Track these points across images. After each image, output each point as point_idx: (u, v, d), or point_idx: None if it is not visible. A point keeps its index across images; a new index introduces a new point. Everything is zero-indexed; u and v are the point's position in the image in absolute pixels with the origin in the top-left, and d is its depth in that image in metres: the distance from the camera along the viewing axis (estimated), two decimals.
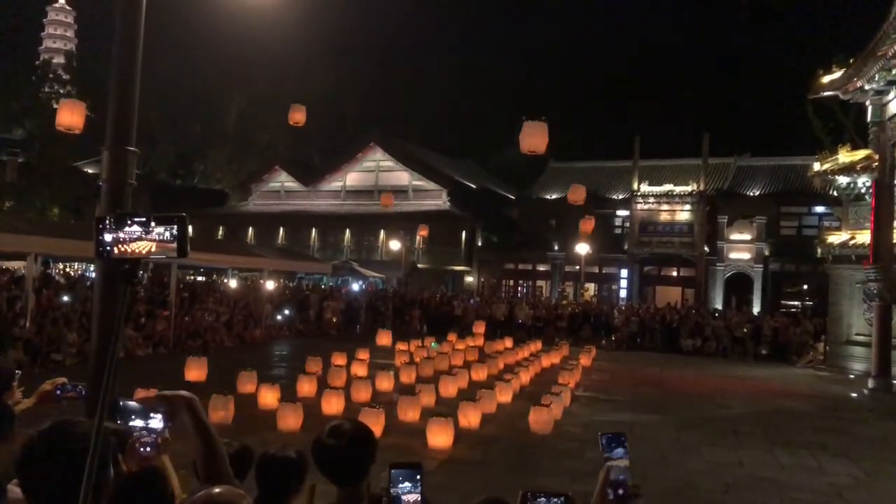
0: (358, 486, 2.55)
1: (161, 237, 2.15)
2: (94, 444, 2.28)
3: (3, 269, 23.45)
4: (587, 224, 19.00)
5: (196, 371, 13.83)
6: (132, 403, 2.42)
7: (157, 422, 2.37)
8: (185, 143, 50.65)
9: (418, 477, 2.09)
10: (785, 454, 10.40)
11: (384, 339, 21.78)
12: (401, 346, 19.55)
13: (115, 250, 2.10)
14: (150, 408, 2.38)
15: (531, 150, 11.70)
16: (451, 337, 22.75)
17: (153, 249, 2.13)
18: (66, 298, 17.86)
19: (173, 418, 2.40)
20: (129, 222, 2.11)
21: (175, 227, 2.11)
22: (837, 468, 9.71)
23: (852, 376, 20.33)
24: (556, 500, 2.26)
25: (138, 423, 2.37)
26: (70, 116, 13.18)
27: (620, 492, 2.41)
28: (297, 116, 18.68)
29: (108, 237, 2.17)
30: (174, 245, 2.16)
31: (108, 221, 2.15)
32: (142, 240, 2.11)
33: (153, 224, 2.11)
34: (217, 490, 1.95)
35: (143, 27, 3.93)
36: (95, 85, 41.77)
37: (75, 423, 1.98)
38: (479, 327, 25.05)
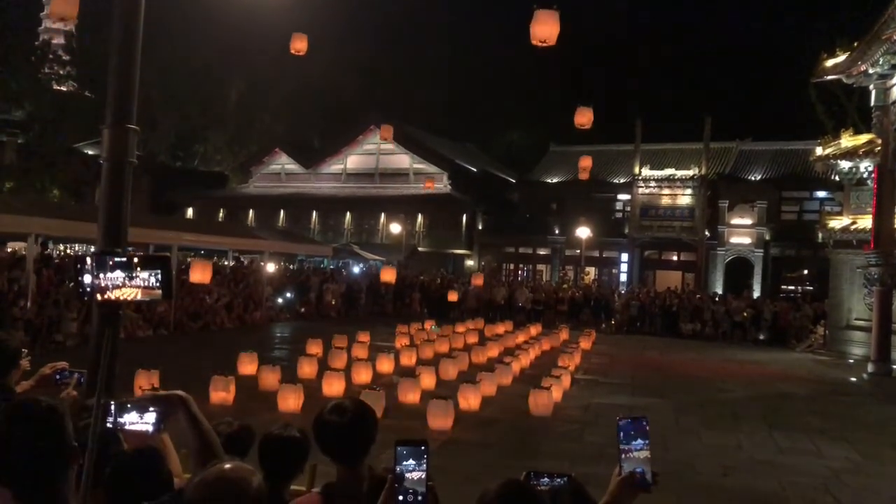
0: (358, 464, 2.55)
1: (146, 283, 2.12)
2: (94, 432, 2.31)
3: (5, 249, 23.45)
4: (583, 114, 17.30)
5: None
6: (127, 404, 2.44)
7: (151, 420, 2.39)
8: (185, 125, 50.48)
9: (424, 455, 2.07)
10: (784, 438, 10.43)
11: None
12: (401, 328, 19.60)
13: (99, 297, 2.07)
14: (144, 407, 2.40)
15: (542, 41, 11.49)
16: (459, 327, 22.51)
17: (138, 296, 2.11)
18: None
19: (168, 416, 2.43)
20: (111, 264, 2.05)
21: (159, 271, 2.05)
22: (836, 452, 9.75)
23: (852, 361, 20.38)
24: (559, 480, 2.25)
25: (133, 420, 2.39)
26: (64, 5, 12.74)
27: (641, 483, 2.16)
28: (299, 45, 18.25)
29: (87, 278, 2.14)
30: (159, 291, 2.13)
31: (88, 262, 2.12)
32: (126, 287, 2.08)
33: (137, 269, 2.05)
34: (228, 466, 1.96)
35: (143, 4, 3.90)
36: (95, 66, 41.59)
37: (38, 401, 2.01)
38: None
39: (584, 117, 18.12)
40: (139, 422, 2.38)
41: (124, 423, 2.38)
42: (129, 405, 2.40)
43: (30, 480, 1.88)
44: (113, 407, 2.41)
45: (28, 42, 50.52)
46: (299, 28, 17.59)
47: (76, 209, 25.77)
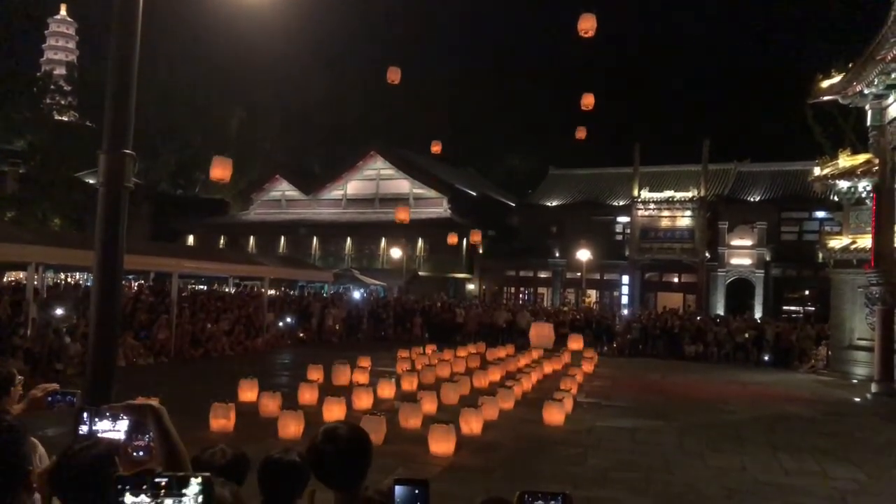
0: (355, 489, 2.53)
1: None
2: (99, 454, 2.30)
3: (6, 279, 23.46)
4: (588, 98, 17.69)
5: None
6: (99, 410, 2.43)
7: (123, 428, 2.38)
8: (185, 153, 50.71)
9: (419, 494, 2.00)
10: (788, 459, 10.35)
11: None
12: (402, 353, 19.53)
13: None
14: (116, 415, 2.39)
15: (585, 32, 11.93)
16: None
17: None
18: (59, 311, 17.68)
19: (139, 426, 2.41)
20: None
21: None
22: (841, 473, 9.67)
23: (855, 381, 20.28)
24: (553, 501, 2.22)
25: (105, 428, 2.38)
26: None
27: None
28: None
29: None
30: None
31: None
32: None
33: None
34: None
35: (140, 26, 3.93)
36: (96, 96, 41.82)
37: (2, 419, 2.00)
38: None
39: (587, 99, 18.76)
40: (111, 430, 2.37)
41: (97, 431, 2.37)
42: (102, 412, 2.39)
43: None
44: (86, 414, 2.40)
45: (30, 72, 50.92)
46: (301, 55, 18.01)
47: (76, 237, 25.79)
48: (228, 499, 1.99)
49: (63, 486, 2.16)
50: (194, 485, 1.77)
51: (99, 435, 2.36)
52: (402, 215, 27.91)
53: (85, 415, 2.42)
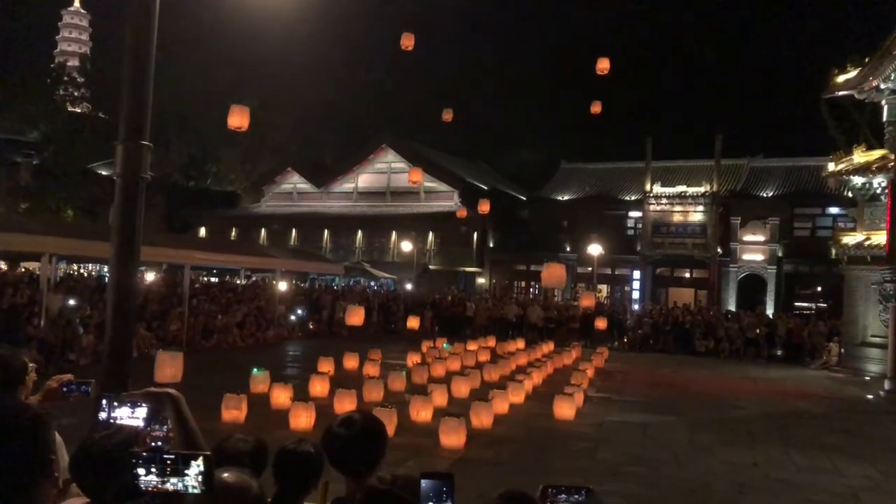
0: (367, 477, 2.54)
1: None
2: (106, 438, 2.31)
3: (20, 269, 23.61)
4: (603, 63, 17.28)
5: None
6: (118, 397, 2.45)
7: (141, 415, 2.40)
8: (197, 145, 50.87)
9: (445, 490, 2.00)
10: (800, 455, 10.31)
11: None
12: (412, 346, 19.53)
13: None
14: (134, 402, 2.41)
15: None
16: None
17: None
18: (72, 302, 17.79)
19: (158, 414, 2.43)
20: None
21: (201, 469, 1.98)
22: (854, 470, 9.62)
23: (868, 378, 20.16)
24: (576, 496, 2.20)
25: (124, 415, 2.41)
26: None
27: None
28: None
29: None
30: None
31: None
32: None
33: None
34: (226, 474, 1.96)
35: (157, 17, 3.93)
36: (109, 86, 42.02)
37: (27, 407, 2.01)
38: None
39: (602, 64, 18.41)
40: (130, 416, 2.39)
41: (116, 418, 2.39)
42: (121, 399, 2.41)
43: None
44: (105, 400, 2.42)
45: (43, 64, 51.22)
46: (313, 47, 17.85)
47: (90, 229, 25.95)
48: (256, 489, 2.00)
49: (83, 473, 2.18)
50: (195, 465, 1.80)
51: (118, 422, 2.38)
52: (416, 177, 27.83)
53: (104, 401, 2.44)
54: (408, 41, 18.44)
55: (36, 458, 1.93)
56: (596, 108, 21.06)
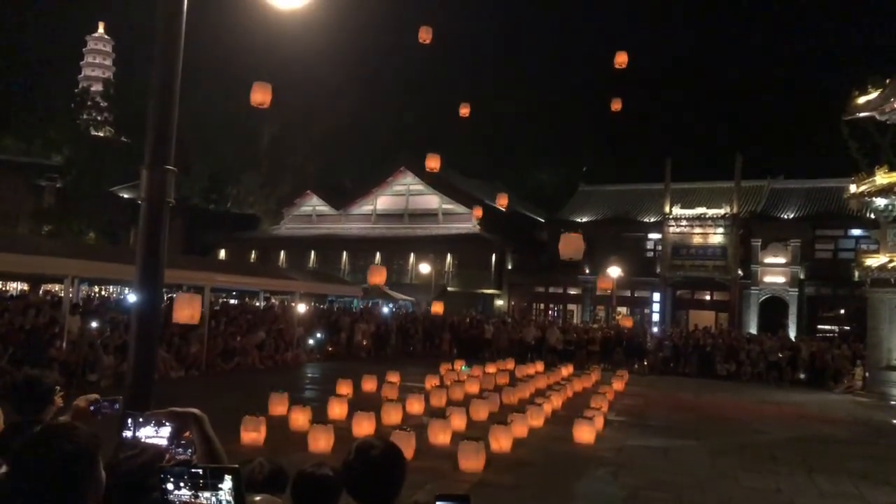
0: None
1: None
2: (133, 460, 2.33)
3: (43, 291, 23.88)
4: (621, 57, 17.39)
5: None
6: (143, 416, 2.46)
7: (165, 434, 2.41)
8: (218, 168, 51.37)
9: None
10: (825, 481, 10.14)
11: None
12: (431, 369, 19.47)
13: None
14: (159, 421, 2.43)
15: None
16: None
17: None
18: (94, 324, 17.98)
19: (182, 433, 2.44)
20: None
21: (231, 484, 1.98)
22: (880, 497, 9.45)
23: (894, 402, 19.85)
24: None
25: (148, 434, 2.42)
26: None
27: None
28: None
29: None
30: None
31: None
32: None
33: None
34: (258, 498, 1.96)
35: (182, 42, 3.99)
36: (132, 112, 42.64)
37: (74, 428, 2.03)
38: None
39: (621, 58, 18.46)
40: (155, 436, 2.41)
41: (141, 437, 2.41)
42: (146, 418, 2.42)
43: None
44: (130, 420, 2.44)
45: (67, 89, 52.07)
46: (330, 69, 17.92)
47: (111, 251, 26.21)
48: None
49: (108, 493, 2.20)
50: (227, 480, 1.80)
51: (142, 441, 2.40)
52: (433, 164, 28.03)
53: (129, 420, 2.46)
54: (425, 34, 18.49)
55: (93, 478, 1.96)
56: (616, 105, 21.10)
